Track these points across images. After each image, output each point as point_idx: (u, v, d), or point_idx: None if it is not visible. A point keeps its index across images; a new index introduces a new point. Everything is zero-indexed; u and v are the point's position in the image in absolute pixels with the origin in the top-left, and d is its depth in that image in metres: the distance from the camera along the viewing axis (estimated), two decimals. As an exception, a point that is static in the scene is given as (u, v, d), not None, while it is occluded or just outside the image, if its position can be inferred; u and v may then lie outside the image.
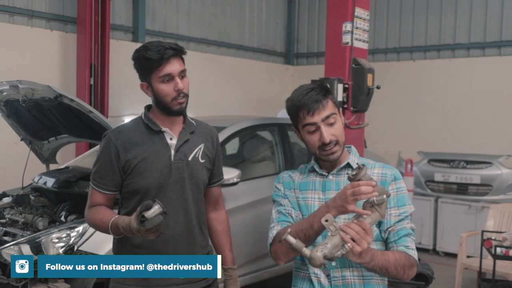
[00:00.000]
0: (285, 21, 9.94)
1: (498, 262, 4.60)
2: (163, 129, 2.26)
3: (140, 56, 2.19)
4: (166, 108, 2.22)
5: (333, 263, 2.05)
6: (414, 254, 2.05)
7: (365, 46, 4.99)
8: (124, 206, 2.30)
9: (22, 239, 3.50)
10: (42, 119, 4.07)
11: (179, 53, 2.22)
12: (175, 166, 2.24)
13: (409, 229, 2.05)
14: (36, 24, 6.37)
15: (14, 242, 3.48)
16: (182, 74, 2.23)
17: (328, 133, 2.05)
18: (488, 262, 4.93)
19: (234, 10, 8.89)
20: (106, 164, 2.22)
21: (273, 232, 2.13)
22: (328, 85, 3.69)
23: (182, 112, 2.26)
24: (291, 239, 1.85)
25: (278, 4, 9.78)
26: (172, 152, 2.25)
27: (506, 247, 4.41)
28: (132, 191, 2.24)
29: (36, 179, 4.37)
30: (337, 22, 4.85)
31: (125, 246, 2.24)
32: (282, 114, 6.74)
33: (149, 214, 1.97)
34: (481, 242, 4.74)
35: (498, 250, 4.45)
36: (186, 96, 2.25)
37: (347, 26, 4.80)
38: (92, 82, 6.43)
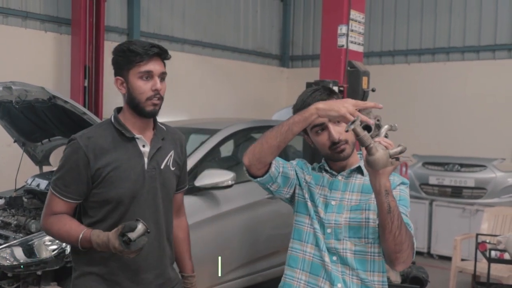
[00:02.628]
0: (280, 24, 9.94)
1: (493, 265, 4.61)
2: (136, 136, 2.16)
3: (124, 48, 2.11)
4: (139, 107, 2.12)
5: (334, 258, 2.03)
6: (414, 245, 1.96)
7: (360, 49, 5.00)
8: (89, 216, 2.16)
9: (14, 241, 3.47)
10: (36, 120, 4.05)
11: (163, 54, 2.15)
12: (148, 175, 2.16)
13: (409, 220, 1.99)
14: (30, 26, 6.34)
15: (7, 244, 3.45)
16: (162, 76, 2.15)
17: (336, 132, 2.03)
18: (482, 265, 4.93)
19: (229, 12, 8.88)
20: (72, 171, 2.09)
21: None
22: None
23: (154, 114, 2.16)
24: (359, 128, 1.75)
25: (273, 7, 9.78)
26: (146, 160, 2.16)
27: (501, 250, 4.41)
28: (102, 201, 2.12)
29: (29, 181, 4.34)
30: (333, 24, 4.86)
31: (93, 257, 2.13)
32: (278, 117, 6.73)
33: (134, 235, 1.92)
34: (476, 245, 4.75)
35: (493, 253, 4.46)
36: (162, 99, 2.15)
37: (343, 29, 4.80)
38: (86, 84, 6.40)
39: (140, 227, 1.93)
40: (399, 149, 1.77)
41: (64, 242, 2.20)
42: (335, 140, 2.03)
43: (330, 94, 2.10)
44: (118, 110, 2.23)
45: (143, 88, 2.10)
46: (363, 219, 2.02)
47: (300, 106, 2.10)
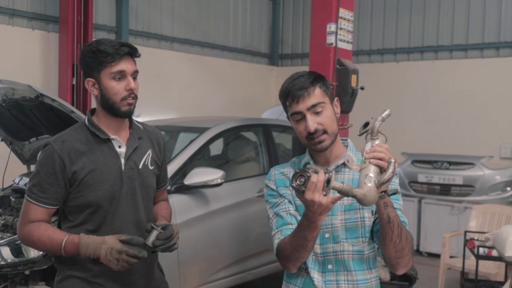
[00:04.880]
0: (269, 22, 9.93)
1: (481, 262, 4.64)
2: (112, 136, 2.13)
3: (93, 49, 2.06)
4: (113, 108, 2.09)
5: (329, 266, 1.97)
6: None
7: (349, 47, 5.00)
8: (69, 220, 2.14)
9: (1, 241, 3.44)
10: (23, 119, 4.01)
11: (134, 52, 2.12)
12: (126, 175, 2.13)
13: (404, 218, 1.96)
14: (17, 23, 6.28)
15: (-6, 244, 3.42)
16: (135, 75, 2.12)
17: (314, 122, 1.94)
18: (471, 262, 4.97)
19: (218, 11, 8.86)
20: (49, 176, 2.05)
21: (275, 242, 1.99)
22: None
23: (130, 114, 2.14)
24: (337, 184, 1.67)
25: (263, 5, 9.77)
26: (123, 161, 2.14)
27: (489, 247, 4.44)
28: (81, 205, 2.10)
29: (16, 180, 4.30)
30: (322, 23, 4.86)
31: (76, 261, 2.11)
32: (267, 115, 6.73)
33: (149, 241, 2.02)
34: (464, 242, 4.78)
35: (481, 250, 4.49)
36: (136, 98, 2.12)
37: (332, 27, 4.81)
38: (74, 82, 6.35)
39: (152, 237, 2.04)
40: (389, 170, 1.69)
41: (44, 249, 2.12)
42: (311, 131, 1.94)
43: (313, 81, 1.98)
44: (92, 111, 2.19)
45: (117, 88, 2.07)
46: (358, 218, 1.97)
47: (283, 92, 2.01)
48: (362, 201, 1.70)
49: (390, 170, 1.70)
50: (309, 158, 2.08)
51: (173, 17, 8.11)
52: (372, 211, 1.97)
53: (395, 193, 1.73)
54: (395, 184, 2.00)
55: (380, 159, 1.72)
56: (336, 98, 2.06)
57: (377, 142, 1.79)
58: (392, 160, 1.72)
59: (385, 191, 1.72)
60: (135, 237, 2.01)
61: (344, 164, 2.03)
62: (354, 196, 1.69)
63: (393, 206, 1.82)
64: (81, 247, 2.00)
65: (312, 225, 1.79)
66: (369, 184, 1.69)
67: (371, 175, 1.70)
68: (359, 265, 1.98)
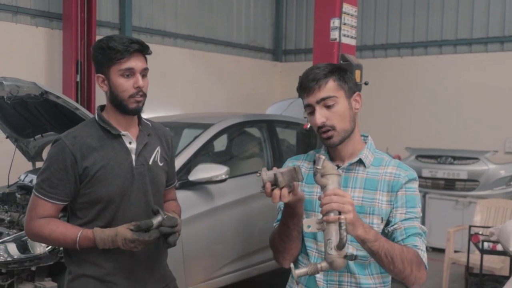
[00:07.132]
0: (273, 18, 9.92)
1: (485, 256, 4.64)
2: (123, 132, 2.13)
3: (103, 45, 2.05)
4: (122, 105, 2.09)
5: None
6: (424, 256, 1.88)
7: (353, 42, 4.99)
8: (78, 217, 2.13)
9: (8, 237, 3.47)
10: (28, 116, 4.03)
11: (144, 50, 2.11)
12: (137, 171, 2.14)
13: (419, 228, 1.90)
14: (21, 21, 6.30)
15: (0, 240, 3.44)
16: (144, 72, 2.11)
17: (321, 116, 1.87)
18: (475, 256, 4.97)
19: (221, 6, 8.86)
20: (59, 172, 2.05)
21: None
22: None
23: (138, 111, 2.14)
24: (301, 270, 1.69)
25: (266, 1, 9.76)
26: (133, 157, 2.14)
27: (493, 242, 4.43)
28: (92, 201, 2.10)
29: (22, 177, 4.32)
30: (325, 18, 4.85)
31: (87, 259, 2.12)
32: (271, 111, 6.74)
33: (154, 224, 2.01)
34: (469, 237, 4.78)
35: (485, 244, 4.49)
36: (145, 95, 2.12)
37: (335, 22, 4.79)
38: (78, 79, 6.37)
39: (157, 219, 2.02)
40: (340, 236, 1.60)
41: (57, 245, 2.16)
42: (318, 125, 1.88)
43: (327, 74, 1.90)
44: (102, 108, 2.20)
45: (125, 85, 2.07)
46: (367, 224, 1.87)
47: (299, 82, 1.95)
48: (333, 269, 1.68)
49: (342, 234, 1.59)
50: (325, 152, 2.03)
51: (177, 14, 8.12)
52: (382, 217, 1.91)
53: (352, 258, 1.65)
54: (411, 190, 1.93)
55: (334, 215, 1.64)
56: (357, 93, 1.98)
57: (328, 187, 1.69)
58: (342, 221, 1.61)
59: (346, 255, 1.64)
60: (143, 222, 2.01)
61: (358, 162, 1.97)
62: (323, 270, 1.69)
63: (375, 238, 1.73)
64: (98, 244, 2.02)
65: (293, 211, 1.85)
66: (330, 252, 1.63)
67: (331, 239, 1.63)
68: (361, 269, 1.94)
